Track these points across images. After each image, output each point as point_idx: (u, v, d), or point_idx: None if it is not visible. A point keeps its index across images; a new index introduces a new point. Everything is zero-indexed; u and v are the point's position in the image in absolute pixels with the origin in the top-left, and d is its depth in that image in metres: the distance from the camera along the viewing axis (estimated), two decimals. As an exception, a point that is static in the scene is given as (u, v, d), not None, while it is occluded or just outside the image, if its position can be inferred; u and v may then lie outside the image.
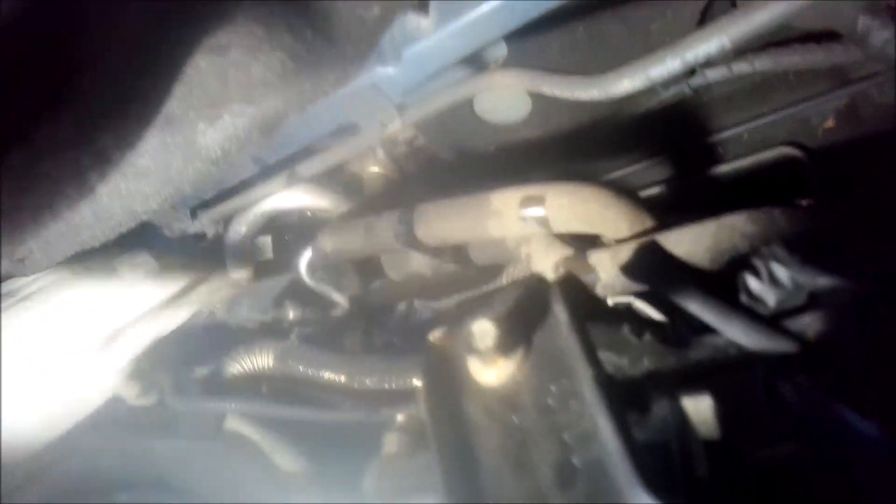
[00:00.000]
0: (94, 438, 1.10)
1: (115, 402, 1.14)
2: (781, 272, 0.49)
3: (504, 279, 1.45)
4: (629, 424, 0.39)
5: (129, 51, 0.42)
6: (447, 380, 0.50)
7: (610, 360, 0.49)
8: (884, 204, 0.79)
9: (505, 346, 0.46)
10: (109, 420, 1.14)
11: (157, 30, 0.41)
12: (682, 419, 0.41)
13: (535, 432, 0.44)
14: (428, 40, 0.80)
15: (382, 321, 1.56)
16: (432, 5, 0.78)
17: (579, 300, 0.50)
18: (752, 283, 0.50)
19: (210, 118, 0.53)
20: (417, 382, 1.22)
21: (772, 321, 0.45)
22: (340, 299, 1.48)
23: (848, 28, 1.02)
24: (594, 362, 0.44)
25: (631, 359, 0.49)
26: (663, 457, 0.39)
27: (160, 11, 0.40)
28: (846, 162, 1.16)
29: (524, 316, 0.50)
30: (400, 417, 1.21)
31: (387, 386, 1.23)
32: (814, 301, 0.47)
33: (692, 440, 0.41)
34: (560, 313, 0.49)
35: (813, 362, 0.42)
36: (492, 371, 0.47)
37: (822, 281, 0.46)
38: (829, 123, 1.20)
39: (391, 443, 1.17)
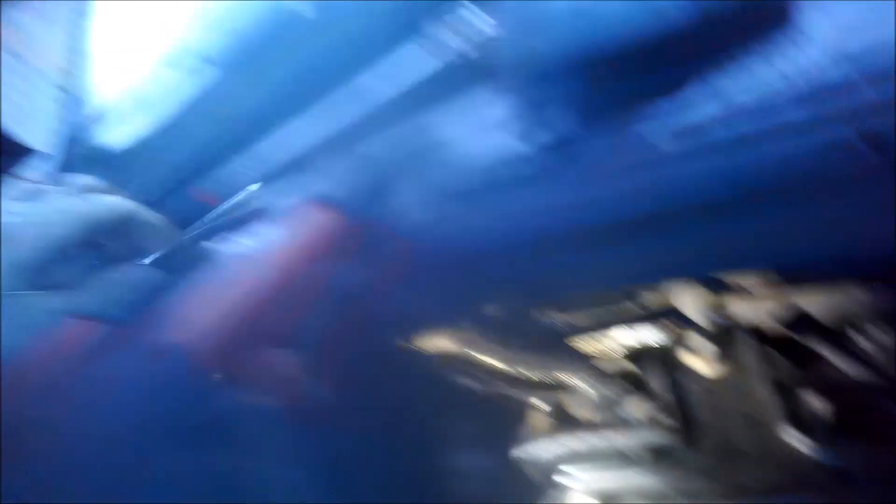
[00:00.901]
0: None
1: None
2: (885, 338, 0.79)
3: (637, 303, 1.75)
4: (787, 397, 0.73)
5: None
6: (670, 364, 0.86)
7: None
8: None
9: (713, 355, 0.81)
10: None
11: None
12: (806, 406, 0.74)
13: (729, 397, 0.78)
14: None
15: (521, 327, 1.88)
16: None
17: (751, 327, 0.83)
18: (862, 341, 0.80)
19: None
20: (563, 376, 1.55)
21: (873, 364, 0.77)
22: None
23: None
24: (769, 362, 0.78)
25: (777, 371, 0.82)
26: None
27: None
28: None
29: (724, 337, 0.84)
30: (546, 402, 1.55)
31: (538, 377, 1.57)
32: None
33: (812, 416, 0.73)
34: (747, 339, 0.83)
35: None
36: (703, 364, 0.82)
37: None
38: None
39: (539, 420, 1.50)
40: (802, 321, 0.94)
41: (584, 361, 1.57)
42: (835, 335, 0.83)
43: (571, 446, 0.92)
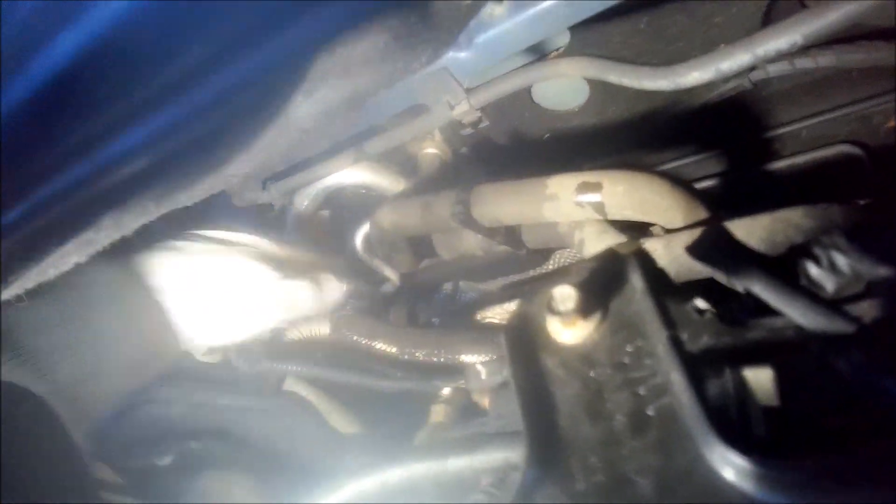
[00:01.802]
0: (166, 389, 1.18)
1: (185, 358, 1.23)
2: (841, 260, 0.51)
3: (552, 263, 1.49)
4: (700, 380, 0.43)
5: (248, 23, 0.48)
6: (527, 337, 0.55)
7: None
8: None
9: (584, 308, 0.51)
10: (181, 374, 1.22)
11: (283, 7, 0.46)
12: (741, 386, 0.45)
13: (611, 385, 0.48)
14: (500, 27, 0.84)
15: (428, 299, 1.61)
16: (507, -7, 0.82)
17: (652, 272, 0.53)
18: (812, 269, 0.52)
19: (307, 91, 0.58)
20: (466, 357, 1.27)
21: (831, 304, 0.48)
22: (392, 275, 1.54)
23: (918, 27, 1.02)
24: (668, 323, 0.49)
25: (691, 334, 0.52)
26: (724, 416, 0.43)
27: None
28: (908, 162, 1.16)
29: (601, 283, 0.54)
30: (446, 390, 1.26)
31: (436, 359, 1.29)
32: (871, 289, 0.50)
33: (751, 404, 0.45)
34: (636, 281, 0.53)
35: (867, 342, 0.45)
36: (570, 331, 0.52)
37: (881, 271, 0.49)
38: (892, 123, 1.19)
39: (438, 413, 1.22)
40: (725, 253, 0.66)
41: (492, 338, 1.30)
42: (779, 268, 0.55)
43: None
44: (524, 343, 0.54)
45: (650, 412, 0.45)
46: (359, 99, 0.62)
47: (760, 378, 0.45)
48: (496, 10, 0.82)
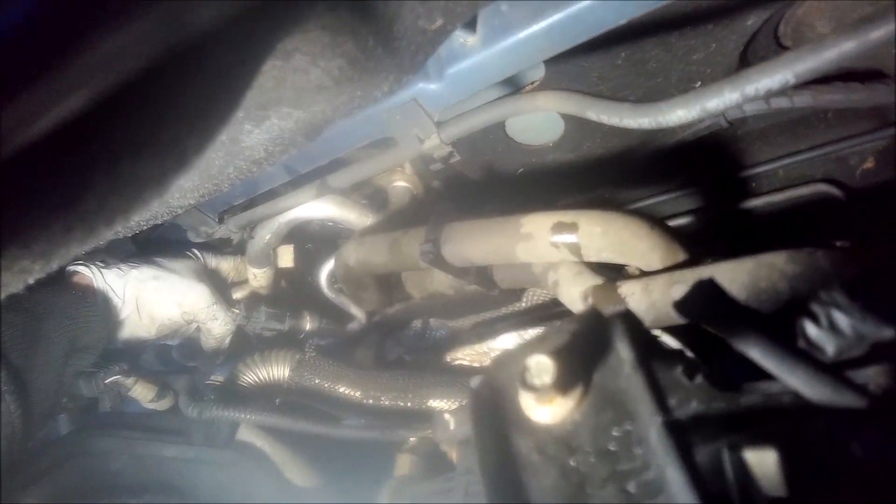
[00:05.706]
0: (105, 440, 1.08)
1: (129, 405, 1.13)
2: (842, 319, 0.46)
3: (524, 303, 1.44)
4: (703, 478, 0.37)
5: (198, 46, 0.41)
6: (497, 413, 0.47)
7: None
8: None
9: (563, 383, 0.43)
10: (121, 422, 1.12)
11: (230, 30, 0.40)
12: (743, 474, 0.39)
13: (595, 478, 0.40)
14: (473, 59, 0.79)
15: (397, 337, 1.54)
16: (480, 23, 0.77)
17: (638, 335, 0.47)
18: (811, 329, 0.47)
19: (258, 119, 0.52)
20: (434, 403, 1.19)
21: (834, 371, 0.43)
22: (358, 313, 1.47)
23: (893, 69, 1.01)
24: (664, 407, 0.42)
25: (679, 400, 0.46)
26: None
27: (238, 12, 0.40)
28: (885, 203, 1.14)
29: (583, 352, 0.47)
30: (413, 439, 1.18)
31: (402, 405, 1.21)
32: (876, 353, 0.45)
33: (757, 497, 0.38)
34: (624, 350, 0.46)
35: (880, 417, 0.40)
36: (547, 409, 0.44)
37: (886, 332, 0.44)
38: (869, 164, 1.18)
39: (403, 464, 1.14)
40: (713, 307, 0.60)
41: (462, 382, 1.23)
42: (774, 326, 0.49)
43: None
44: (493, 420, 0.46)
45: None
46: (315, 129, 0.56)
47: (764, 462, 0.39)
48: (469, 39, 0.78)
